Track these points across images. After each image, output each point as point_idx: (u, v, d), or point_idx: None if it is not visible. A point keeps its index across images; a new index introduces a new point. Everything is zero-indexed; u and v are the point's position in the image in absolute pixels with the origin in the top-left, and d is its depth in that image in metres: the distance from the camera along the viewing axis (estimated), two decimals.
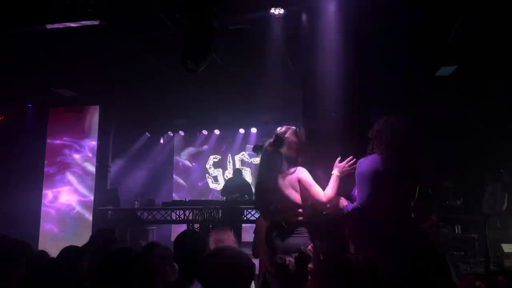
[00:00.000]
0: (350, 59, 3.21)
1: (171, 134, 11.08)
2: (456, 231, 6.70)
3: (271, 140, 2.90)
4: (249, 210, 7.50)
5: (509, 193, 6.65)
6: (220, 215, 7.64)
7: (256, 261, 3.26)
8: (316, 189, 2.71)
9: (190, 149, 11.09)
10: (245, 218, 7.54)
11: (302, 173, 2.77)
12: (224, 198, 7.99)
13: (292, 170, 2.79)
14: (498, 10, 5.30)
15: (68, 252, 2.81)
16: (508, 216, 6.60)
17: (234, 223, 6.91)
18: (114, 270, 1.68)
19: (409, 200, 2.40)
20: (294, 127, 3.02)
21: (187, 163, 11.11)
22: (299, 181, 2.74)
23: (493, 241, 5.52)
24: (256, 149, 2.98)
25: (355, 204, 2.51)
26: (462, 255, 6.39)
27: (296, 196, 2.74)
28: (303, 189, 2.74)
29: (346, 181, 2.77)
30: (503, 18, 5.40)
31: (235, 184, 8.00)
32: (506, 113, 7.22)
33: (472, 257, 6.34)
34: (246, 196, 7.81)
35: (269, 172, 2.81)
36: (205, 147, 10.94)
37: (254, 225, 3.83)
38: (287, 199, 2.74)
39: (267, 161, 2.85)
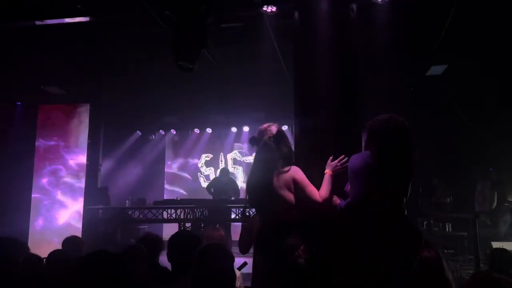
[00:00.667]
0: (342, 57, 3.20)
1: (163, 133, 11.02)
2: (446, 229, 6.75)
3: (271, 135, 2.82)
4: (237, 209, 7.44)
5: (499, 191, 6.73)
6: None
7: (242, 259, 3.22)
8: (311, 189, 2.67)
9: (182, 147, 11.03)
10: (234, 217, 7.45)
11: (297, 172, 2.70)
12: (212, 197, 7.95)
13: (286, 168, 2.73)
14: (488, 9, 5.35)
15: (55, 256, 2.79)
16: (497, 214, 6.68)
17: (222, 223, 6.84)
18: (88, 273, 1.66)
19: (402, 197, 2.41)
20: (276, 124, 2.95)
21: (179, 161, 11.06)
22: (294, 181, 2.68)
23: (482, 239, 5.58)
24: (253, 142, 2.88)
25: (347, 200, 2.51)
26: (451, 253, 6.45)
27: (290, 196, 2.68)
28: (298, 189, 2.68)
29: (338, 177, 2.75)
30: (493, 17, 5.46)
31: (222, 183, 7.95)
32: (495, 112, 7.30)
33: (461, 255, 6.39)
34: (232, 197, 7.79)
35: (265, 171, 2.71)
36: (197, 145, 10.89)
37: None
38: (281, 199, 2.68)
39: (265, 158, 2.75)
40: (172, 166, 11.07)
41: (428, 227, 6.63)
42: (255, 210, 2.96)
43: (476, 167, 7.34)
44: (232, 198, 7.80)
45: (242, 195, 7.71)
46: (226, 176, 8.19)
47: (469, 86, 7.33)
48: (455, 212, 6.92)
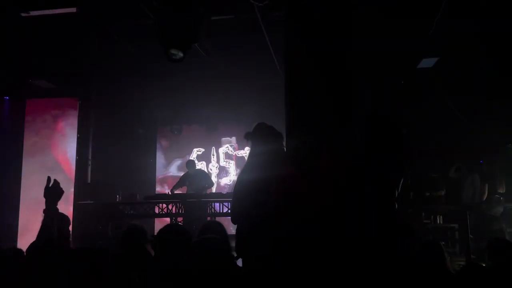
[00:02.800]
0: (335, 53, 3.15)
1: (154, 127, 10.93)
2: (438, 221, 6.81)
3: (273, 132, 2.71)
4: (213, 204, 7.39)
5: (489, 183, 6.77)
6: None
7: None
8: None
9: (173, 141, 10.96)
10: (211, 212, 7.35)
11: (290, 170, 2.61)
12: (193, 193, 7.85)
13: (284, 165, 2.64)
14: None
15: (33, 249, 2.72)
16: (488, 206, 6.72)
17: (200, 219, 6.69)
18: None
19: (393, 191, 2.40)
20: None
21: (170, 155, 10.99)
22: (289, 179, 2.59)
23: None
24: (249, 136, 2.78)
25: None
26: (442, 244, 6.49)
27: (288, 191, 2.59)
28: (292, 190, 2.59)
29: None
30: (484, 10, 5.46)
31: (196, 176, 7.89)
32: (486, 104, 7.34)
33: (452, 247, 6.44)
34: (207, 188, 7.80)
35: (270, 170, 2.55)
36: (189, 139, 10.82)
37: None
38: (279, 194, 2.57)
39: (272, 156, 2.62)
40: (163, 161, 11.00)
41: (419, 219, 6.66)
42: (249, 207, 2.84)
43: (467, 159, 7.38)
44: (208, 191, 7.86)
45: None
46: (193, 168, 8.13)
47: (460, 79, 7.35)
48: (447, 204, 6.96)
